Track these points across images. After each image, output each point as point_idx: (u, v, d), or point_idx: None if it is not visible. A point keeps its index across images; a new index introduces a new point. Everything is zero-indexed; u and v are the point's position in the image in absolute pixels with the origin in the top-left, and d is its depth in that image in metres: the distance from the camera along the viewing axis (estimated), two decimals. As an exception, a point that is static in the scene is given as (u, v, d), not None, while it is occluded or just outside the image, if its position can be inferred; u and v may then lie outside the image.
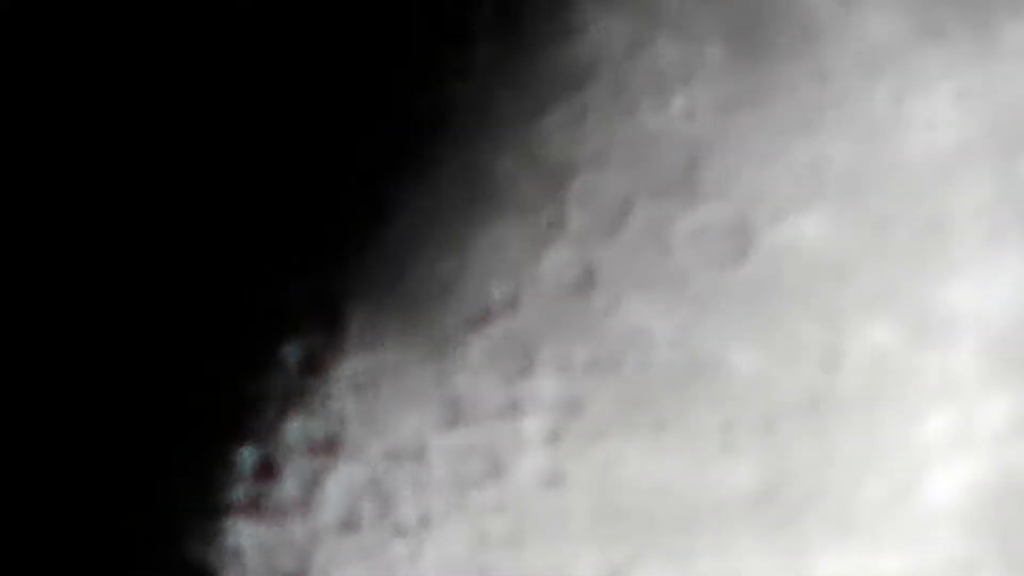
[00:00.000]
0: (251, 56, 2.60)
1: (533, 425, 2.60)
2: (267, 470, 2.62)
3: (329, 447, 2.60)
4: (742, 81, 2.51)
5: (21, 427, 2.63)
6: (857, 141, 2.53)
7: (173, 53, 2.60)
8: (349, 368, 2.58)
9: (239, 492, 2.62)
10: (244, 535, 2.63)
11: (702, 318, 2.56)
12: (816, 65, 2.51)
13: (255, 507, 2.63)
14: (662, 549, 2.65)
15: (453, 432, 2.59)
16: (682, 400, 2.60)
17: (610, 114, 2.50)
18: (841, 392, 2.60)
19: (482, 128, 2.51)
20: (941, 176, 2.55)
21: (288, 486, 2.62)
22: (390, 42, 2.51)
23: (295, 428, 2.60)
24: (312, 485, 2.62)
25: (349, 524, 2.62)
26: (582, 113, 2.50)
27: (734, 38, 2.51)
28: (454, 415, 2.59)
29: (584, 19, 2.49)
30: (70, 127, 2.62)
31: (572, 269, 2.54)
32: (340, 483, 2.61)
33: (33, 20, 2.63)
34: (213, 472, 2.61)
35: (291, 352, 2.59)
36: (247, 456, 2.62)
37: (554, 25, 2.49)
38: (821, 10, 2.50)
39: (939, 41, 2.51)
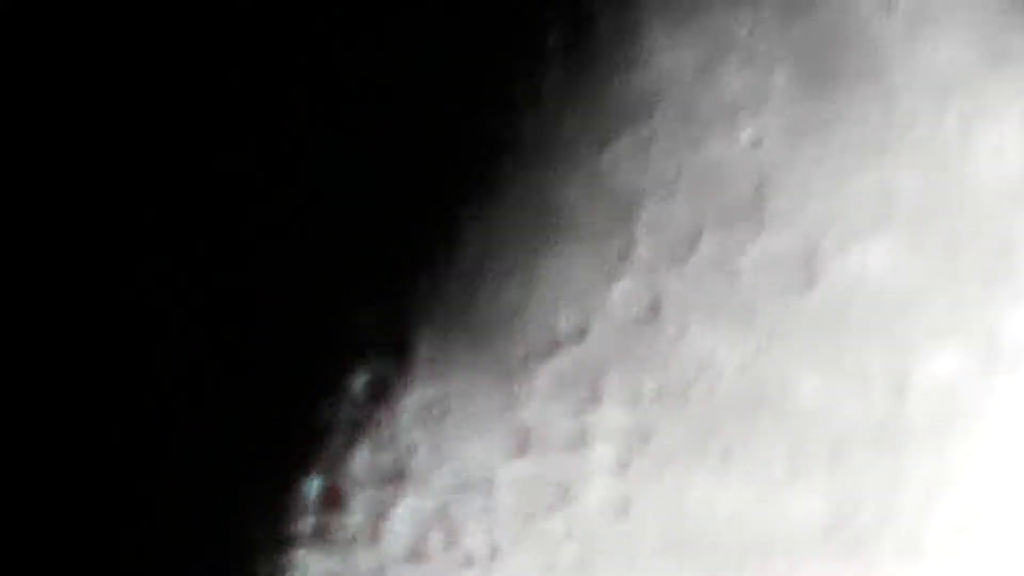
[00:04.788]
0: (285, 73, 2.59)
1: (601, 454, 2.59)
2: (333, 500, 2.61)
3: (396, 477, 2.59)
4: (809, 108, 2.50)
5: (83, 456, 2.62)
6: (925, 168, 2.52)
7: (194, 56, 2.59)
8: (416, 397, 2.57)
9: (305, 523, 2.61)
10: (310, 566, 2.62)
11: (770, 346, 2.55)
12: (883, 91, 2.50)
13: (321, 538, 2.62)
14: (731, 578, 2.64)
15: (521, 461, 2.58)
16: (750, 428, 2.59)
17: (677, 142, 2.49)
18: (910, 419, 2.59)
19: (549, 156, 2.50)
20: (1010, 202, 2.55)
21: (355, 516, 2.61)
22: (459, 69, 2.50)
23: (362, 458, 2.59)
24: (379, 515, 2.60)
25: (416, 554, 2.61)
26: (649, 141, 2.49)
27: (801, 65, 2.50)
28: (522, 444, 2.58)
29: (652, 47, 2.48)
30: (76, 129, 2.61)
31: (640, 298, 2.53)
32: (407, 513, 2.60)
33: (33, 20, 2.61)
34: (279, 503, 2.60)
35: (357, 381, 2.57)
36: (313, 486, 2.60)
37: (621, 53, 2.48)
38: (889, 36, 2.49)
39: (1008, 66, 2.51)
